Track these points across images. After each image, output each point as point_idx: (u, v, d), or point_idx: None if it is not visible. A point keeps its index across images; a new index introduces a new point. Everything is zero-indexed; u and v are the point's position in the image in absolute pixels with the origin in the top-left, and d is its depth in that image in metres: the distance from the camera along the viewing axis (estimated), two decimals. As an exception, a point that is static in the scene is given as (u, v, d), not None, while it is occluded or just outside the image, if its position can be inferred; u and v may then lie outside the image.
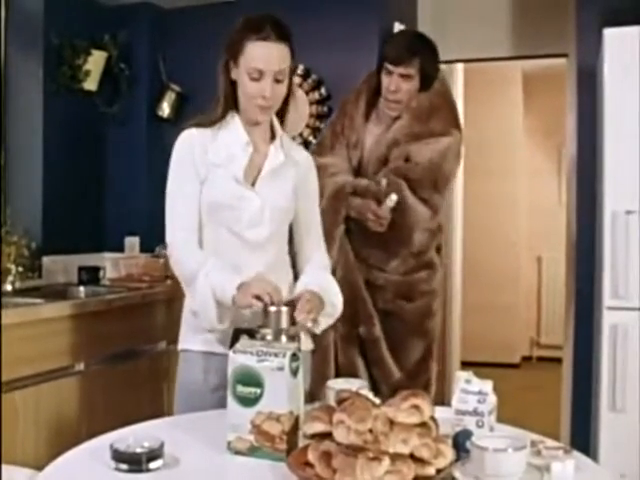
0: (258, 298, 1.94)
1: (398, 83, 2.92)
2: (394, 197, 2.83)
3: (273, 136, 2.25)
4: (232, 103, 2.21)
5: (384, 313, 3.08)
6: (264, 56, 2.10)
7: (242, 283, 2.00)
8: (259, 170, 2.20)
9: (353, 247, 3.06)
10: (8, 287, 3.48)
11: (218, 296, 2.02)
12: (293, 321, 1.94)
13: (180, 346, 2.28)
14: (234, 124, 2.20)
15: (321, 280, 2.20)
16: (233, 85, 2.18)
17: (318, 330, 2.18)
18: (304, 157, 2.34)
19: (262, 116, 2.18)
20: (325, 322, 2.19)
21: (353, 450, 1.41)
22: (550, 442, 1.71)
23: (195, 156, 2.15)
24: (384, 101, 3.01)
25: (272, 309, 1.92)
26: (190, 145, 2.17)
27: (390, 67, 2.93)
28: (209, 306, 2.04)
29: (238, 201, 2.15)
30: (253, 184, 2.18)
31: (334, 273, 2.54)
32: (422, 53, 2.94)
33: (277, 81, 2.12)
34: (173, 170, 2.20)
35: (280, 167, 2.22)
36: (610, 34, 3.18)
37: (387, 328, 3.08)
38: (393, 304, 3.08)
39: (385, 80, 2.96)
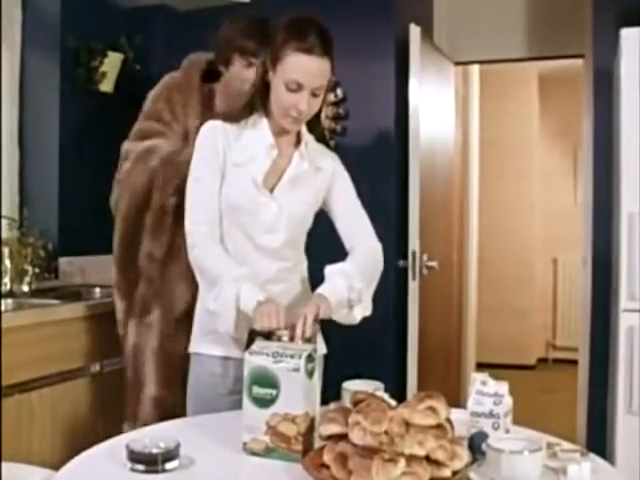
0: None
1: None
2: None
3: (299, 141, 2.20)
4: (262, 103, 2.15)
5: None
6: (305, 70, 2.01)
7: (259, 302, 1.94)
8: (281, 175, 2.15)
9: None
10: (25, 288, 3.50)
11: (241, 305, 1.97)
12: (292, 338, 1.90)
13: (193, 349, 2.25)
14: (261, 125, 2.15)
15: (332, 280, 2.09)
16: (266, 86, 2.11)
17: (356, 320, 2.13)
18: (329, 161, 2.26)
19: (293, 126, 2.12)
20: (345, 314, 2.11)
21: (369, 452, 1.41)
22: (566, 444, 1.71)
23: (219, 149, 2.11)
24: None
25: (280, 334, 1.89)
26: (214, 137, 2.12)
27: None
28: (230, 311, 1.98)
29: (254, 205, 2.11)
30: (272, 189, 2.14)
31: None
32: None
33: (314, 95, 2.05)
34: (197, 159, 2.15)
35: (302, 175, 2.17)
36: (627, 34, 3.16)
37: None
38: None
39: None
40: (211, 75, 2.85)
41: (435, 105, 4.37)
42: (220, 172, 2.12)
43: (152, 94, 3.04)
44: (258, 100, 2.15)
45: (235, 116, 2.17)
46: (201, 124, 2.24)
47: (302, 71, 2.01)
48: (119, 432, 1.84)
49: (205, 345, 2.21)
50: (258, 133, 2.14)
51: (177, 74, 2.98)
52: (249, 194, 2.11)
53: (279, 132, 2.16)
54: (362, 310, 2.14)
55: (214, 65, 2.81)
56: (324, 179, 2.23)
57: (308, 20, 2.06)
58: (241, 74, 2.67)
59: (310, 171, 2.19)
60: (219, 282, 2.01)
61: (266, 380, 1.67)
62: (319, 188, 2.23)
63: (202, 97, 2.87)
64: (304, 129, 2.21)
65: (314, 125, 2.24)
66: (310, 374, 1.68)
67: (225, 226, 2.14)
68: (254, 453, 1.68)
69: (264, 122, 2.15)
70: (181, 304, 2.76)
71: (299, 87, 2.02)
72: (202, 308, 2.20)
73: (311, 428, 1.67)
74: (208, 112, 2.79)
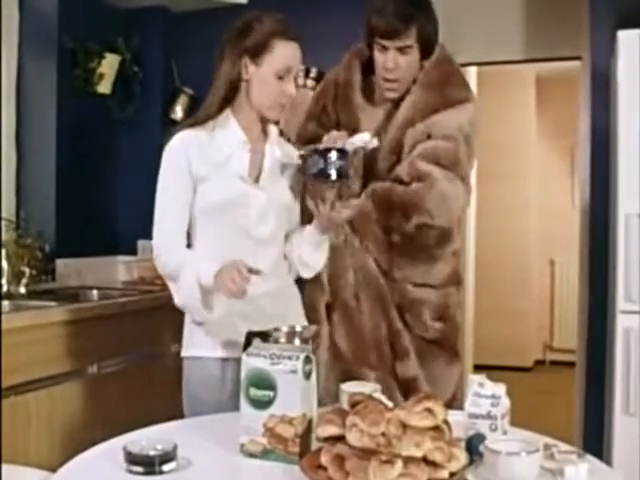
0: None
1: (396, 59, 2.41)
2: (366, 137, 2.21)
3: (265, 135, 2.25)
4: (231, 101, 2.19)
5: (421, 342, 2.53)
6: (293, 55, 2.15)
7: (218, 270, 1.99)
8: (259, 168, 2.20)
9: (371, 253, 2.50)
10: (22, 290, 3.50)
11: (203, 282, 2.01)
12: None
13: (188, 352, 2.25)
14: (229, 124, 2.18)
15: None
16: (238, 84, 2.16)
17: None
18: (292, 150, 2.33)
19: (279, 115, 2.21)
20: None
21: (366, 453, 1.41)
22: (563, 446, 1.70)
23: (192, 158, 2.12)
24: (381, 81, 2.49)
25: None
26: (187, 147, 2.14)
27: (384, 42, 2.41)
28: (194, 294, 2.04)
29: (244, 198, 2.14)
30: (257, 181, 2.19)
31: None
32: (418, 16, 2.40)
33: (294, 80, 2.18)
34: (167, 171, 2.17)
35: (278, 164, 2.23)
36: (624, 36, 3.16)
37: (426, 360, 2.53)
38: (432, 329, 2.52)
39: (380, 57, 2.44)
40: (370, 66, 2.55)
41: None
42: (191, 182, 2.14)
43: (315, 91, 2.86)
44: (231, 97, 2.18)
45: (203, 119, 2.18)
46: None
47: (291, 56, 2.15)
48: (116, 434, 1.83)
49: (201, 348, 2.21)
50: (229, 132, 2.18)
51: (339, 68, 2.66)
52: (238, 188, 2.14)
53: (249, 127, 2.20)
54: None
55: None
56: (292, 168, 2.31)
57: (278, 15, 2.19)
58: (377, 59, 2.46)
59: (283, 159, 2.25)
60: (179, 276, 2.08)
61: (263, 382, 1.66)
62: (294, 174, 2.29)
63: (363, 92, 2.58)
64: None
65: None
66: (308, 376, 1.68)
67: (214, 226, 2.17)
68: (251, 455, 1.68)
69: (231, 119, 2.19)
70: None
71: (288, 73, 2.14)
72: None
73: (308, 430, 1.67)
74: (371, 107, 2.57)
